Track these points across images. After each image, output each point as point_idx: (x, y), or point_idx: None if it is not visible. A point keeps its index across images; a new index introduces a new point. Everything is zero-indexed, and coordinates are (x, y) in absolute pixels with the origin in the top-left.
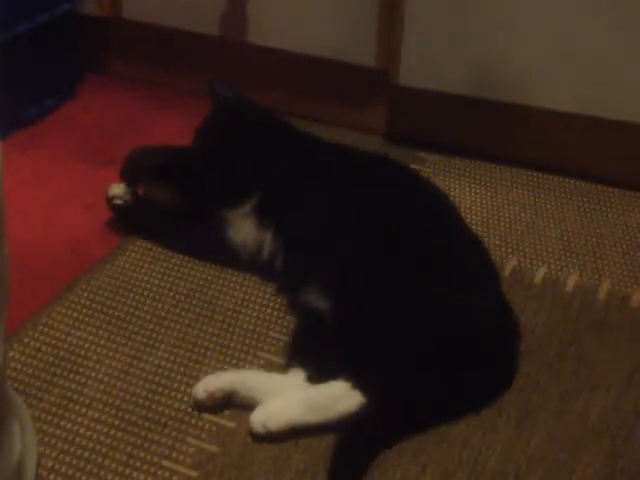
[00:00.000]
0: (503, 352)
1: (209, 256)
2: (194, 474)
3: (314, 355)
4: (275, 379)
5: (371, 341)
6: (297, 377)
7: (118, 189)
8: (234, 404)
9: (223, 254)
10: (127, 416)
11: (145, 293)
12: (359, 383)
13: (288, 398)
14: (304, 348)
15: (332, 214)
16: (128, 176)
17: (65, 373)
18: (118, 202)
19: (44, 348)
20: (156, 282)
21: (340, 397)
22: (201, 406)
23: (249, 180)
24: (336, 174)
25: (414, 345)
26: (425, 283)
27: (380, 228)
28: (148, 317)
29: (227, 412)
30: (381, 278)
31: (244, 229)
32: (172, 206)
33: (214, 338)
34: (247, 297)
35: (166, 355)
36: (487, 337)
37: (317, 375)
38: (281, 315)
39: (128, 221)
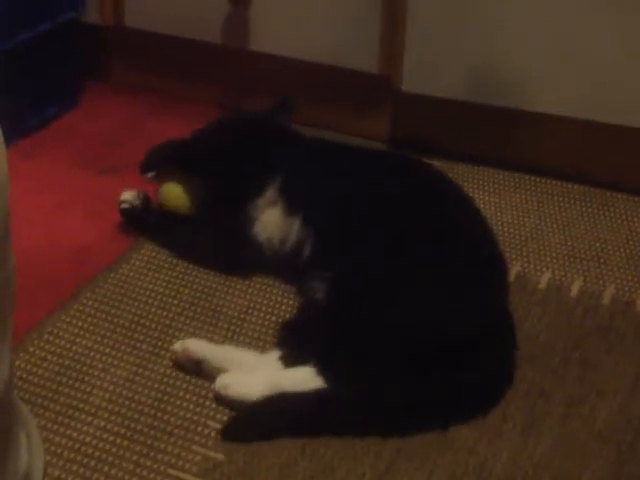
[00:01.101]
0: (497, 356)
1: (214, 263)
2: None
3: (294, 338)
4: (247, 355)
5: (351, 333)
6: (270, 356)
7: (128, 194)
8: (204, 373)
9: (227, 261)
10: (133, 425)
11: (150, 301)
12: (325, 370)
13: (256, 375)
14: (287, 330)
15: (351, 205)
16: (149, 167)
17: (71, 382)
18: (125, 206)
19: (49, 357)
20: (160, 290)
21: (303, 382)
22: (177, 361)
23: (270, 161)
24: (358, 168)
25: (398, 343)
26: (424, 284)
27: (386, 229)
28: (153, 325)
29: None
30: (380, 275)
31: (271, 222)
32: (184, 211)
33: None
34: (252, 305)
35: (171, 363)
36: (478, 340)
37: (292, 357)
38: None
39: (134, 226)
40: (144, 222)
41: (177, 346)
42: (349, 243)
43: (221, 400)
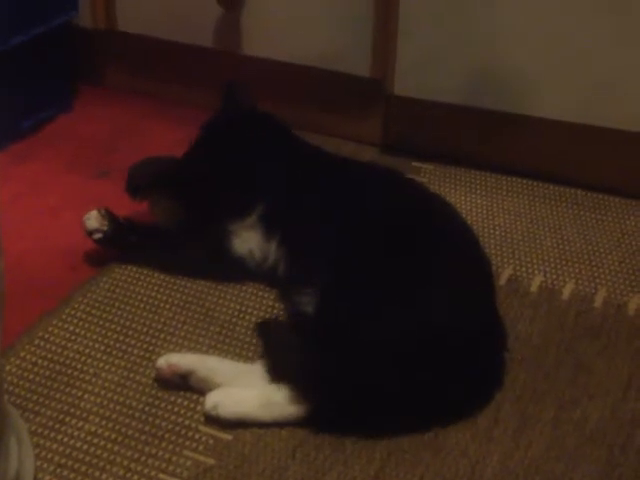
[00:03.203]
0: (487, 358)
1: (202, 273)
2: None
3: (282, 350)
4: (235, 367)
5: (344, 348)
6: (258, 368)
7: (94, 221)
8: (191, 386)
9: (217, 269)
10: (124, 429)
11: (141, 306)
12: (316, 387)
13: (246, 391)
14: (275, 342)
15: (329, 224)
16: (133, 186)
17: (62, 387)
18: (98, 236)
19: (40, 362)
20: (152, 294)
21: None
22: (161, 377)
23: (254, 191)
24: (337, 183)
25: (389, 352)
26: (412, 290)
27: (372, 242)
28: (145, 330)
29: (224, 425)
30: (369, 289)
31: (251, 240)
32: (173, 222)
33: (211, 350)
34: (243, 309)
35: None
36: (469, 342)
37: (280, 370)
38: None
39: (117, 249)
40: (125, 243)
41: (161, 362)
42: (332, 259)
43: (212, 420)
